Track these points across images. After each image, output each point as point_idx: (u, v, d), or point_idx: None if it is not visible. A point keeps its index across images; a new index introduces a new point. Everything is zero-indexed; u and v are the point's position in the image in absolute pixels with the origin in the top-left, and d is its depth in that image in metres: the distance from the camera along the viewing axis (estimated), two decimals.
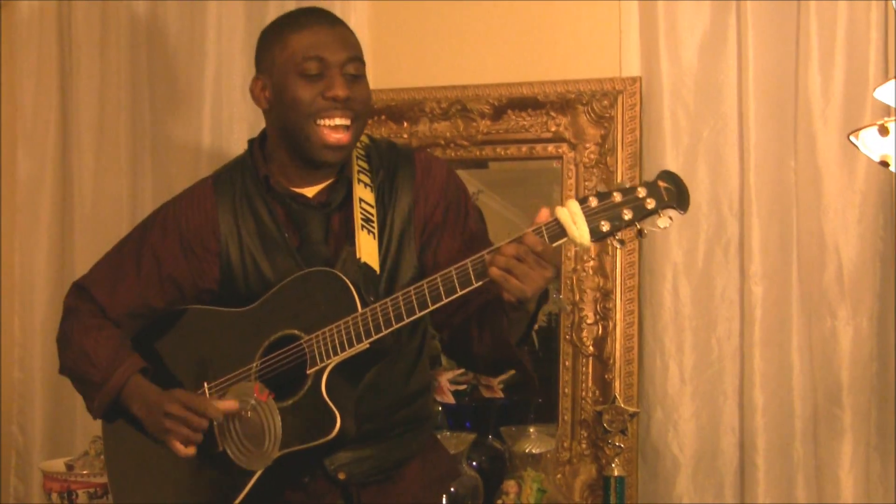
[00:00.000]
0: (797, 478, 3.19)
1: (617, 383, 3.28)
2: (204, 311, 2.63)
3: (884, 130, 2.62)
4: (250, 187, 2.61)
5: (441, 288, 2.30)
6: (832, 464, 3.16)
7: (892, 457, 3.13)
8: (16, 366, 3.84)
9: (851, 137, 2.71)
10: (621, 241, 2.24)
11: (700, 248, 3.28)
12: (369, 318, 2.37)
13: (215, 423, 2.48)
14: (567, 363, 3.35)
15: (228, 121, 3.69)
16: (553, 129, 3.37)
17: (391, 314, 2.35)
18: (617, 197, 2.20)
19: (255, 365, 2.49)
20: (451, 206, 2.59)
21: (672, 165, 3.22)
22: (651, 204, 2.19)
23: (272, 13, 3.58)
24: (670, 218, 2.20)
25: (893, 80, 2.68)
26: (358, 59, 2.53)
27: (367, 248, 2.51)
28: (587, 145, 3.34)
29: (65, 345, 2.68)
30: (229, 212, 2.61)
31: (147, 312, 2.67)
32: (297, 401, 2.42)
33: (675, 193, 2.20)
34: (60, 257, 3.80)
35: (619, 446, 3.23)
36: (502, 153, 3.45)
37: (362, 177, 2.58)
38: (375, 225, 2.54)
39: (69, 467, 3.04)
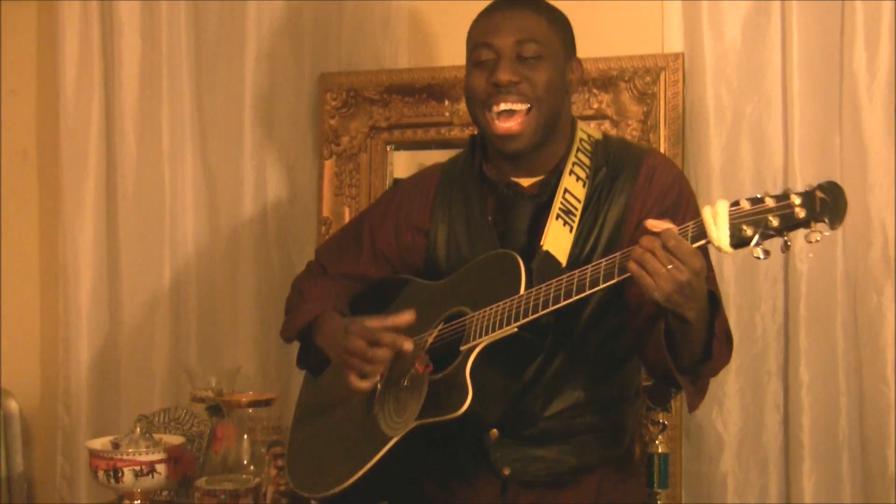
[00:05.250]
0: (842, 455, 3.16)
1: None
2: (406, 280, 2.70)
3: None
4: (466, 175, 2.65)
5: (588, 279, 2.23)
6: (878, 441, 3.13)
7: None
8: (61, 346, 3.88)
9: None
10: (766, 252, 2.07)
11: None
12: (523, 303, 2.32)
13: (378, 385, 2.50)
14: None
15: (269, 106, 3.69)
16: (595, 106, 3.33)
17: (539, 301, 2.29)
18: (769, 202, 2.05)
19: (427, 336, 2.52)
20: (665, 214, 2.45)
21: (715, 143, 3.21)
22: (801, 213, 2.02)
23: None
24: (822, 232, 2.02)
25: None
26: (534, 40, 2.47)
27: (556, 239, 2.46)
28: (629, 122, 3.30)
29: (290, 294, 2.85)
30: (445, 197, 2.66)
31: (362, 280, 2.78)
32: (445, 375, 2.41)
33: (829, 206, 2.02)
34: (105, 241, 3.82)
35: (663, 423, 3.22)
36: None
37: (576, 169, 2.53)
38: (576, 218, 2.48)
39: (115, 446, 3.05)
